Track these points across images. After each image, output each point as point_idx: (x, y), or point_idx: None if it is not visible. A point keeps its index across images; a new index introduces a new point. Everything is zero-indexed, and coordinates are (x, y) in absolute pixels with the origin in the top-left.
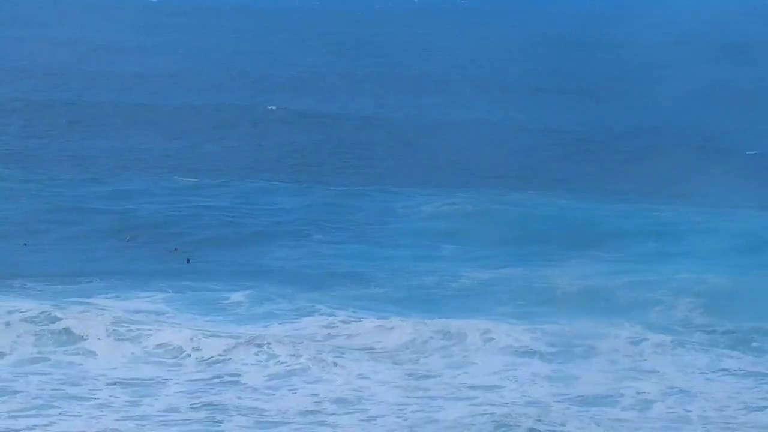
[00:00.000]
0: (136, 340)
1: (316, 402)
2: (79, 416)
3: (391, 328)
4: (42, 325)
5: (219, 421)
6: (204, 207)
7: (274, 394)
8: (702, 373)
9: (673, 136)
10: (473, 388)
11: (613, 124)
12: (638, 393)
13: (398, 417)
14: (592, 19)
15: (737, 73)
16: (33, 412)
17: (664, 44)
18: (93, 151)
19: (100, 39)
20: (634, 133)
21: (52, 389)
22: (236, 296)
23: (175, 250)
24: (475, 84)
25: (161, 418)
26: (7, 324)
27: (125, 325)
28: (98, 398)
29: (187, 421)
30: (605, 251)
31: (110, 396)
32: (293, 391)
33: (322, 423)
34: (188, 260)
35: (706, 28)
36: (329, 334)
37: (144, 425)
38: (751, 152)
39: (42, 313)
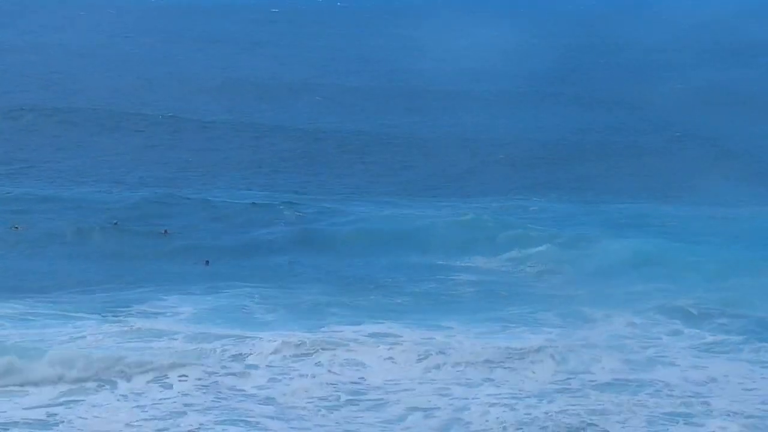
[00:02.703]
0: None
1: None
2: None
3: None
4: None
5: None
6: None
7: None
8: None
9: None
10: None
11: (613, 129)
12: None
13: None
14: (586, 19)
15: (740, 74)
16: None
17: (664, 45)
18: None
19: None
20: (634, 137)
21: None
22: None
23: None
24: (472, 92)
25: None
26: None
27: None
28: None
29: None
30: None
31: None
32: None
33: None
34: (207, 262)
35: (707, 29)
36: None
37: None
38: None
39: None
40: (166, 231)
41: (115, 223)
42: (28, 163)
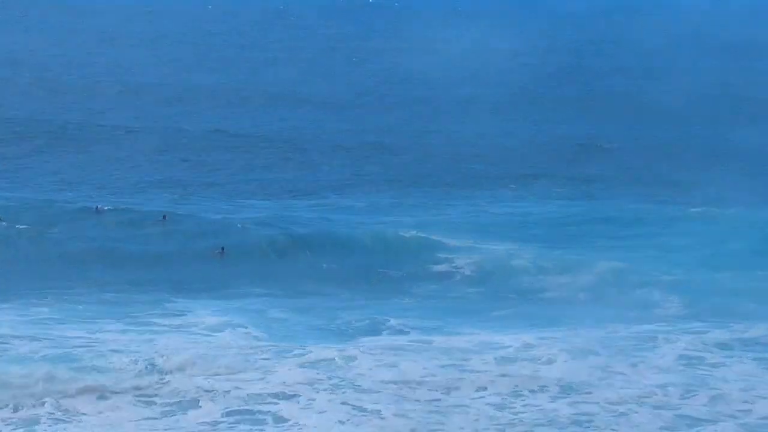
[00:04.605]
0: None
1: None
2: None
3: None
4: None
5: None
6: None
7: None
8: None
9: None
10: None
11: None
12: None
13: None
14: (580, 19)
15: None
16: None
17: (662, 46)
18: None
19: None
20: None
21: None
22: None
23: (164, 216)
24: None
25: None
26: None
27: None
28: None
29: None
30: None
31: None
32: None
33: None
34: (222, 249)
35: (707, 29)
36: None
37: None
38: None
39: None
40: (164, 216)
41: (96, 208)
42: None
